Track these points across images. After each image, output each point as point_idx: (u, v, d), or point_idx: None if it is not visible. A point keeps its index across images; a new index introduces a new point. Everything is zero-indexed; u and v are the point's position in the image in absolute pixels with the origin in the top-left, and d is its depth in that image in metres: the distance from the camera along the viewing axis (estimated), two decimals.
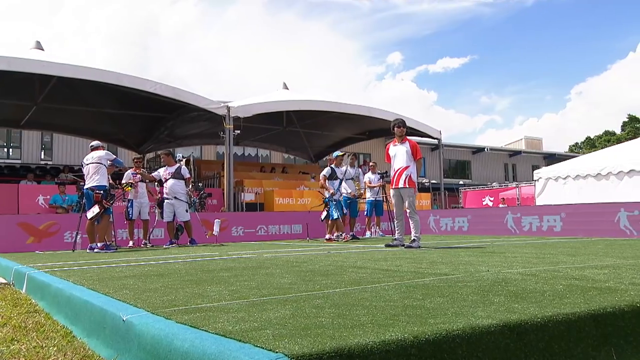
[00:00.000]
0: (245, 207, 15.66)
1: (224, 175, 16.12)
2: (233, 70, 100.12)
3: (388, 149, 7.36)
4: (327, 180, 9.82)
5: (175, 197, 9.28)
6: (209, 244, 9.81)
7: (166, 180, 9.40)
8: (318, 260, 4.85)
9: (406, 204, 7.05)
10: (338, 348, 1.39)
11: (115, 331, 2.27)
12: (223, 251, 7.03)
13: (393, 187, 7.16)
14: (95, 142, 8.77)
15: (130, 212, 9.34)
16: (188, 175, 9.62)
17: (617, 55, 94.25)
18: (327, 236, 9.90)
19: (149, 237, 9.63)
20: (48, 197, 13.53)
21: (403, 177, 7.01)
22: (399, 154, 7.14)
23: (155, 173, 9.88)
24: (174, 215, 9.37)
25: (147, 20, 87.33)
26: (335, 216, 9.50)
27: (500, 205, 20.72)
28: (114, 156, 8.44)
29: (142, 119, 18.73)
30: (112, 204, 8.19)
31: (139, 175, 9.51)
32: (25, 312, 3.51)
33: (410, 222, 7.00)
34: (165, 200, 9.28)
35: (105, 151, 8.45)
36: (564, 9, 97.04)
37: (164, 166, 9.81)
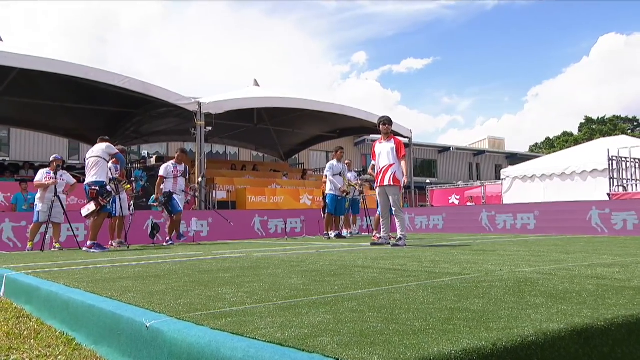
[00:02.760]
0: (217, 205, 15.38)
1: (194, 173, 15.81)
2: (195, 67, 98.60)
3: (374, 147, 7.30)
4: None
5: (182, 191, 9.30)
6: (184, 244, 9.56)
7: (176, 177, 9.22)
8: (314, 260, 4.73)
9: (391, 202, 7.00)
10: (422, 359, 1.29)
11: (135, 338, 2.11)
12: (207, 250, 6.82)
13: (378, 185, 7.10)
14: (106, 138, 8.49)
15: (113, 209, 8.86)
16: (187, 176, 9.56)
17: (572, 59, 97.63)
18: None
19: (126, 236, 9.19)
20: (8, 194, 12.91)
21: (388, 174, 6.95)
22: (384, 152, 7.09)
23: (163, 168, 9.34)
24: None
25: (105, 13, 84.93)
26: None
27: (469, 204, 21.04)
28: (116, 150, 8.08)
29: (107, 114, 18.15)
30: (109, 201, 7.76)
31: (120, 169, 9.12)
32: (12, 317, 3.28)
33: (396, 221, 6.95)
34: (174, 195, 9.07)
35: (107, 144, 8.11)
36: (521, 14, 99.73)
37: (172, 162, 9.41)
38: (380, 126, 7.23)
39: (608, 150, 13.56)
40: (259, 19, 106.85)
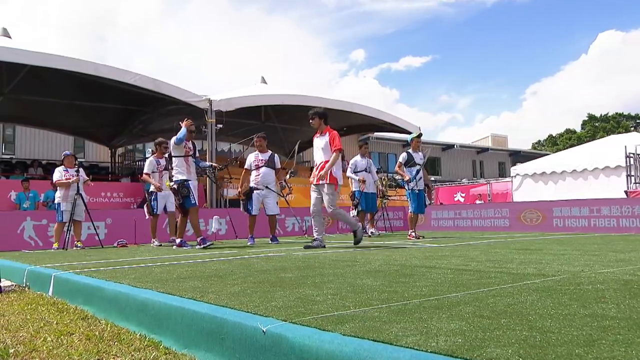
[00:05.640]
0: (228, 203, 15.25)
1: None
2: (195, 65, 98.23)
3: (313, 141, 6.89)
4: (401, 167, 8.65)
5: (267, 187, 8.25)
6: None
7: (258, 168, 8.29)
8: (365, 259, 4.63)
9: (325, 202, 6.48)
10: None
11: (247, 343, 2.00)
12: (241, 250, 6.71)
13: (314, 182, 6.58)
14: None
15: (155, 207, 8.53)
16: (279, 166, 8.52)
17: (570, 57, 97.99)
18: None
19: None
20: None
21: (323, 172, 6.39)
22: (318, 147, 6.61)
23: (247, 160, 8.56)
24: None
25: (103, 11, 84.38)
26: (411, 209, 8.55)
27: (478, 202, 20.98)
28: (174, 138, 7.38)
29: (115, 111, 18.01)
30: (185, 195, 7.25)
31: (163, 161, 8.59)
32: (77, 318, 3.17)
33: (313, 221, 6.63)
34: (255, 191, 8.16)
35: (173, 137, 7.43)
36: (520, 11, 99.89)
37: (254, 151, 8.55)
38: (310, 120, 6.72)
39: (625, 147, 13.53)
40: (260, 16, 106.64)
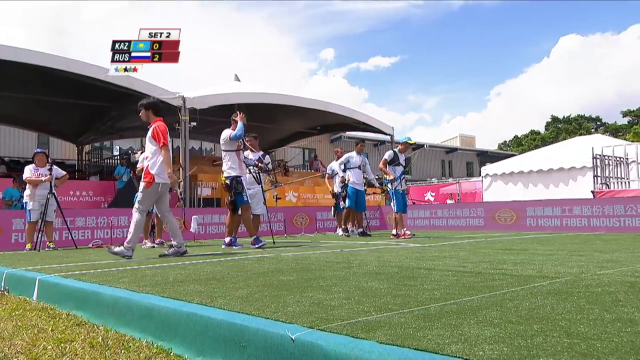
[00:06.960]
0: (202, 202, 15.03)
1: (177, 169, 15.38)
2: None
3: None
4: (386, 165, 8.58)
5: (260, 187, 7.99)
6: (190, 240, 9.26)
7: (247, 166, 7.79)
8: (360, 260, 4.61)
9: (136, 199, 5.91)
10: None
11: (273, 351, 1.95)
12: (226, 250, 6.60)
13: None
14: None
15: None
16: (271, 167, 8.18)
17: (533, 59, 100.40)
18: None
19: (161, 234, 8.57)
20: None
21: (145, 169, 5.91)
22: (146, 142, 6.01)
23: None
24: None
25: (64, 4, 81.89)
26: (396, 209, 8.48)
27: (448, 201, 21.27)
28: (230, 132, 7.04)
29: (84, 108, 17.45)
30: (238, 192, 6.91)
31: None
32: (72, 324, 3.05)
33: (132, 223, 5.84)
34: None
35: (227, 130, 7.12)
36: (486, 14, 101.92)
37: (247, 150, 8.11)
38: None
39: (592, 148, 13.91)
40: (229, 14, 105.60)
